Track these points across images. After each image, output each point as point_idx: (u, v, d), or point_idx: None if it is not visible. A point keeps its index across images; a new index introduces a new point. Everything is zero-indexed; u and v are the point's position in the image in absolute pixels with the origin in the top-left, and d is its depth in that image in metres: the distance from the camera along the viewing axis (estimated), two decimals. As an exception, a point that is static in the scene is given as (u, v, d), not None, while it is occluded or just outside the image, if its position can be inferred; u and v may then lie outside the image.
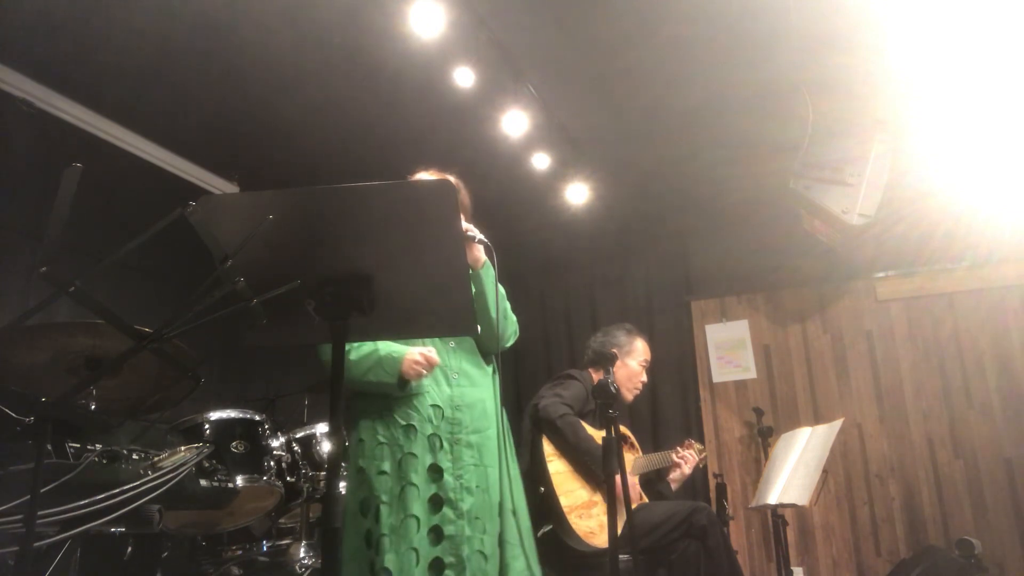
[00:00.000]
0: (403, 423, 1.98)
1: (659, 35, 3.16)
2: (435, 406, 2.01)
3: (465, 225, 2.10)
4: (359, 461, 1.97)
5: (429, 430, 1.99)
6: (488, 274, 2.13)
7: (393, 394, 2.00)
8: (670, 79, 3.49)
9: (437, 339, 2.09)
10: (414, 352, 2.00)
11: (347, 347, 1.88)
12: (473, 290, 2.15)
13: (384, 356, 1.99)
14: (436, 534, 1.90)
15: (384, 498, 1.91)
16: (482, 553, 1.91)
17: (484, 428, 2.06)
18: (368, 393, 2.03)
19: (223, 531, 2.93)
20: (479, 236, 2.08)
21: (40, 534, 1.67)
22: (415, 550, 1.85)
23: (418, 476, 1.93)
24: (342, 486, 2.20)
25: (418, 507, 1.89)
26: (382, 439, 1.97)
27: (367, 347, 2.01)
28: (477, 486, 1.97)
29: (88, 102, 3.46)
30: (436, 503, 1.92)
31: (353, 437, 2.04)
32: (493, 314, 2.12)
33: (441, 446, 1.97)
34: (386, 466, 1.94)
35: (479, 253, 2.11)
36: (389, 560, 1.83)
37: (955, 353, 4.44)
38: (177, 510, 2.45)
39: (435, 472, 1.95)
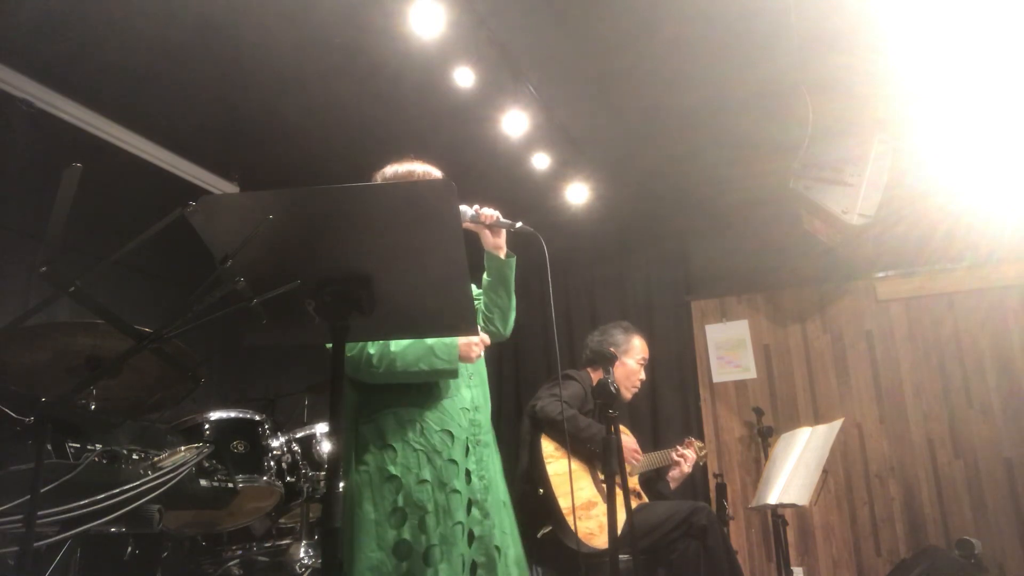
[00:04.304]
0: (438, 428, 1.93)
1: (659, 35, 3.16)
2: (464, 409, 2.01)
3: (491, 212, 2.13)
4: (391, 468, 1.85)
5: (464, 434, 1.98)
6: (511, 264, 2.17)
7: (444, 380, 1.96)
8: (670, 79, 3.48)
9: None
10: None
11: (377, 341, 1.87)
12: (486, 278, 2.18)
13: (434, 343, 1.92)
14: (470, 536, 1.91)
15: (429, 507, 1.85)
16: (499, 548, 1.94)
17: (490, 427, 2.11)
18: (396, 393, 1.94)
19: (223, 531, 2.93)
20: (517, 225, 2.12)
21: (40, 534, 1.67)
22: (462, 556, 1.85)
23: (459, 482, 1.91)
24: (342, 486, 2.18)
25: (462, 513, 1.89)
26: (417, 446, 1.89)
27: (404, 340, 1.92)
28: (491, 483, 2.01)
29: (88, 102, 3.46)
30: (468, 506, 1.93)
31: (370, 440, 1.90)
32: (512, 303, 2.18)
33: (468, 449, 1.98)
34: (426, 474, 1.88)
35: (502, 241, 2.15)
36: (443, 570, 1.81)
37: (955, 353, 4.44)
38: (177, 510, 2.45)
39: (467, 475, 1.95)
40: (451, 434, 1.95)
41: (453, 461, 1.92)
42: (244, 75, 3.31)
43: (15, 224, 3.11)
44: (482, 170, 4.00)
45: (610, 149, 4.14)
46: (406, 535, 1.81)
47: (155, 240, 1.15)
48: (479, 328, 2.20)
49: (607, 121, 3.88)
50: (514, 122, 3.40)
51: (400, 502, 1.84)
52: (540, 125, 3.60)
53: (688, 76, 3.46)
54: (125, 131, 3.68)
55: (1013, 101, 3.51)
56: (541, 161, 3.87)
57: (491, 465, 2.04)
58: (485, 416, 2.09)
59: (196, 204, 1.20)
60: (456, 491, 1.90)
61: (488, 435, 2.08)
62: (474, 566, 1.90)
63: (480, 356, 2.05)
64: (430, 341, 1.94)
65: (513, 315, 2.24)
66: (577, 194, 4.22)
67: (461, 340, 1.97)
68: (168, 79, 3.31)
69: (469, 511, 1.93)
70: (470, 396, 2.05)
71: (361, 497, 1.84)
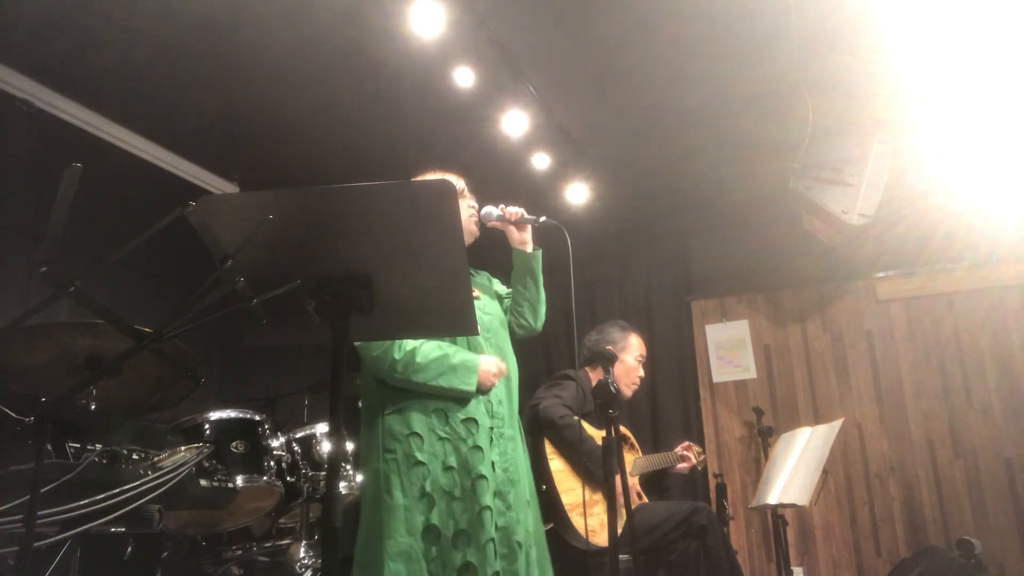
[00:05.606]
0: (462, 417, 1.97)
1: (659, 35, 3.16)
2: (488, 401, 2.04)
3: (516, 210, 2.19)
4: (418, 455, 1.91)
5: (488, 423, 2.01)
6: (537, 256, 2.22)
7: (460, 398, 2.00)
8: (670, 79, 3.48)
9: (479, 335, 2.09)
10: (490, 363, 2.05)
11: (403, 345, 1.91)
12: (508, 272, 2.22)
13: (458, 363, 1.98)
14: (495, 524, 1.95)
15: (456, 493, 1.90)
16: (519, 543, 1.98)
17: (515, 422, 2.14)
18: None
19: (223, 531, 2.92)
20: (541, 219, 2.18)
21: (40, 534, 1.67)
22: (492, 540, 1.89)
23: (486, 468, 1.95)
24: (342, 486, 2.19)
25: (489, 498, 1.93)
26: (443, 434, 1.94)
27: (431, 349, 1.98)
28: (515, 478, 2.04)
29: (88, 102, 3.46)
30: (493, 494, 1.97)
31: (396, 428, 1.95)
32: (542, 295, 2.23)
33: (491, 440, 2.01)
34: (452, 461, 1.93)
35: (528, 236, 2.21)
36: (472, 554, 1.85)
37: (955, 353, 4.44)
38: (177, 510, 2.44)
39: (492, 466, 1.99)
40: (476, 422, 1.98)
41: (479, 447, 1.95)
42: (244, 75, 3.31)
43: (15, 224, 3.11)
44: (482, 170, 3.97)
45: (610, 149, 4.14)
46: (434, 520, 1.85)
47: (155, 240, 1.15)
48: (514, 323, 2.25)
49: (607, 121, 3.88)
50: (514, 122, 3.40)
51: (428, 488, 1.88)
52: (540, 125, 3.60)
53: (688, 76, 3.46)
54: (125, 131, 3.68)
55: (1013, 101, 3.51)
56: (541, 161, 3.87)
57: (517, 460, 2.07)
58: (508, 410, 2.11)
59: (196, 204, 1.19)
60: (483, 476, 1.93)
61: (512, 429, 2.10)
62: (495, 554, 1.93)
63: (502, 374, 2.09)
64: (455, 360, 1.98)
65: (543, 308, 2.28)
66: (577, 194, 4.22)
67: (481, 367, 2.02)
68: (168, 79, 3.31)
69: (494, 499, 1.95)
70: (496, 389, 2.08)
71: (389, 484, 1.88)
